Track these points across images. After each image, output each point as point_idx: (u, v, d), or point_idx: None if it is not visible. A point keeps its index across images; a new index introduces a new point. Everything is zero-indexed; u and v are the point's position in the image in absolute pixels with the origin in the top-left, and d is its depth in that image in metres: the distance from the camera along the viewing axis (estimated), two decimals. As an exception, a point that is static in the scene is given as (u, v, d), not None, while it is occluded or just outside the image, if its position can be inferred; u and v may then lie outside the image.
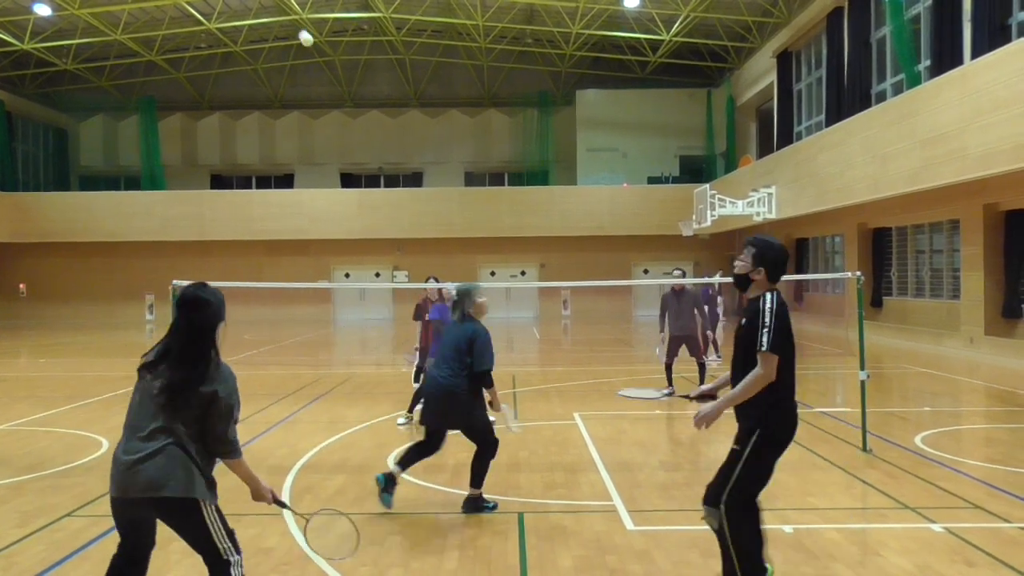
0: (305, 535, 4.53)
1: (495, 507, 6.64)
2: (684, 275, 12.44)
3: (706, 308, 13.36)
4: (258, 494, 4.13)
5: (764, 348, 4.34)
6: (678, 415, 11.26)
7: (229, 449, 3.90)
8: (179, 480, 3.70)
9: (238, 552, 3.91)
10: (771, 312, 4.40)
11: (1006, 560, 5.37)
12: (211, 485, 3.88)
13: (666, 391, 12.35)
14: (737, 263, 4.64)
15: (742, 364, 4.55)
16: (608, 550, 5.69)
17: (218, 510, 3.87)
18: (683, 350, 12.37)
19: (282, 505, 4.30)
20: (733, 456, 4.57)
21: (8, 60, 33.72)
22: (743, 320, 4.57)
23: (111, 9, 28.78)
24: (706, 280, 15.45)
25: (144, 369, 3.91)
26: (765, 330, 4.36)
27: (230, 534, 3.90)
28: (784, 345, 4.41)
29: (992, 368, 15.97)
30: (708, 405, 4.56)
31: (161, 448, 3.71)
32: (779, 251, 4.60)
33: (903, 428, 9.94)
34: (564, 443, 9.24)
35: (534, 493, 7.17)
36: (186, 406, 3.78)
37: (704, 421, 4.56)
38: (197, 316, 3.95)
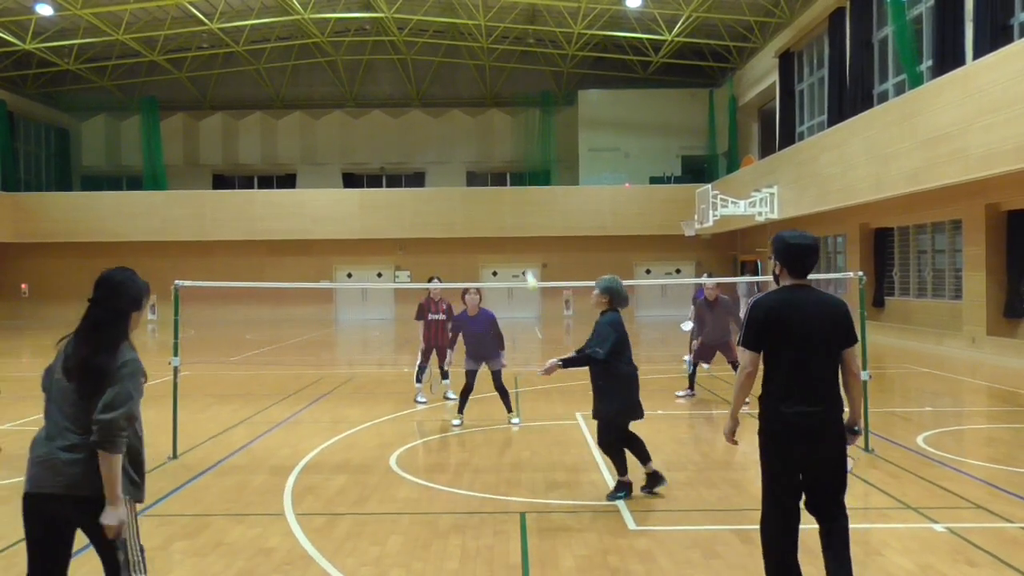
0: None
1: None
2: (707, 283, 12.48)
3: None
4: (109, 513, 3.56)
5: (738, 342, 4.53)
6: (679, 415, 11.26)
7: (108, 435, 3.50)
8: (98, 477, 3.55)
9: (145, 574, 3.72)
10: (748, 306, 4.46)
11: (1008, 560, 5.37)
12: (134, 484, 3.68)
13: (683, 393, 12.39)
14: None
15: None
16: (610, 550, 5.69)
17: (136, 517, 3.73)
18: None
19: (121, 545, 3.70)
20: None
21: (10, 60, 33.72)
22: None
23: (113, 9, 28.79)
24: (698, 280, 15.42)
25: (63, 355, 3.73)
26: (743, 326, 4.47)
27: (143, 554, 3.73)
28: (760, 341, 4.37)
29: (994, 368, 15.95)
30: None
31: (80, 443, 3.59)
32: (784, 241, 4.47)
33: (905, 428, 9.94)
34: (566, 443, 9.25)
35: (536, 493, 7.17)
36: (92, 392, 3.57)
37: (728, 435, 4.77)
38: (114, 295, 3.75)
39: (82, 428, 3.59)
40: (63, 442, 3.61)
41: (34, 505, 3.64)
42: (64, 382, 3.66)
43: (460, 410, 10.38)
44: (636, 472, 7.11)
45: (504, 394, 10.48)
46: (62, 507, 3.60)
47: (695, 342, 12.42)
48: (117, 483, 3.56)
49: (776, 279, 4.53)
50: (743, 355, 4.42)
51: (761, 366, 4.46)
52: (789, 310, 4.34)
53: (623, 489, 6.96)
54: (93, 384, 3.59)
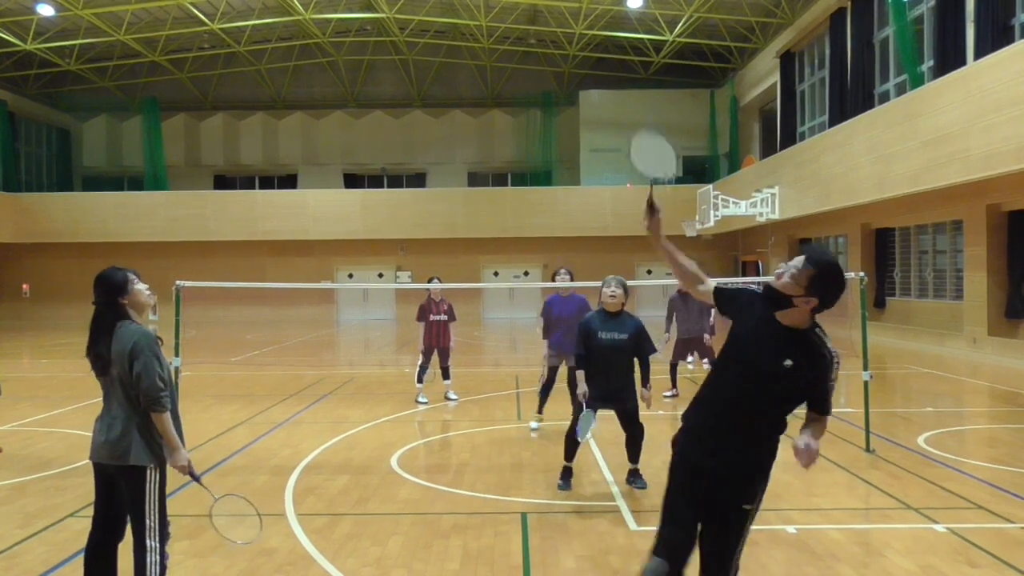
0: (211, 517, 4.71)
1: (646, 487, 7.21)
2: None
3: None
4: (175, 459, 4.40)
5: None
6: (679, 416, 11.25)
7: (150, 402, 4.28)
8: (125, 449, 4.28)
9: (162, 543, 4.34)
10: (834, 354, 3.65)
11: (1009, 561, 5.37)
12: (153, 451, 4.34)
13: (670, 393, 12.39)
14: (785, 275, 3.62)
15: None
16: (611, 550, 5.70)
17: (161, 488, 4.37)
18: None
19: (196, 480, 4.53)
20: (740, 517, 3.70)
21: (11, 60, 33.75)
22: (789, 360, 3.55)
23: (114, 9, 28.81)
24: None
25: None
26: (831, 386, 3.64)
27: (163, 522, 4.37)
28: None
29: (995, 368, 15.94)
30: (807, 440, 3.54)
31: (114, 420, 4.34)
32: (840, 277, 3.61)
33: (906, 428, 9.93)
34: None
35: (537, 493, 7.17)
36: (107, 366, 4.33)
37: (809, 458, 3.53)
38: (100, 289, 4.48)
39: (114, 409, 4.35)
40: (103, 423, 4.40)
41: (94, 469, 4.46)
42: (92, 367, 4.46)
43: (540, 409, 10.38)
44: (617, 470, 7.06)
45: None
46: (108, 471, 4.38)
47: (667, 335, 12.43)
48: (172, 435, 4.34)
49: (788, 303, 3.60)
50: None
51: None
52: None
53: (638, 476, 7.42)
54: (103, 364, 4.36)
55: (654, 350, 7.21)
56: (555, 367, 10.01)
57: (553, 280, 9.97)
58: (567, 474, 7.35)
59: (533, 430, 10.02)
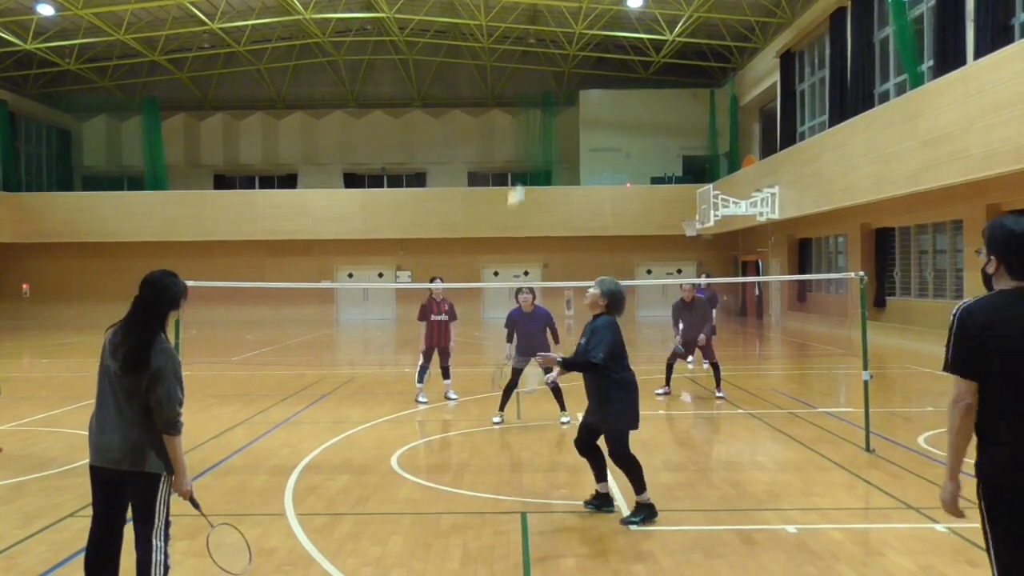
0: (208, 544, 4.60)
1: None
2: (699, 283, 12.80)
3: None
4: (179, 484, 4.32)
5: (943, 367, 3.42)
6: (681, 415, 11.25)
7: (166, 425, 4.18)
8: (142, 456, 4.22)
9: (166, 542, 4.33)
10: (955, 315, 3.36)
11: (1009, 561, 5.35)
12: (166, 461, 4.26)
13: (662, 391, 12.55)
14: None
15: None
16: (611, 550, 5.69)
17: (170, 492, 4.33)
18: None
19: (195, 506, 4.46)
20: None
21: (11, 60, 33.75)
22: None
23: (114, 9, 28.81)
24: (694, 281, 15.62)
25: (109, 344, 4.33)
26: (947, 344, 3.39)
27: (167, 522, 4.34)
28: (975, 363, 3.35)
29: (995, 368, 15.90)
30: (947, 488, 3.49)
31: (129, 427, 4.23)
32: (1007, 229, 3.30)
33: (906, 428, 9.92)
34: (567, 443, 9.22)
35: (537, 493, 7.17)
36: (136, 379, 4.17)
37: (949, 504, 3.52)
38: (161, 295, 4.36)
39: (129, 416, 4.23)
40: (116, 428, 4.25)
41: (96, 475, 4.36)
42: (118, 373, 4.24)
43: (502, 407, 10.44)
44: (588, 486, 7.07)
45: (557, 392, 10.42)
46: (115, 477, 4.30)
47: (678, 338, 12.66)
48: (180, 459, 4.27)
49: (989, 282, 3.41)
50: (956, 385, 3.42)
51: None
52: (1015, 321, 3.26)
53: (643, 513, 6.28)
54: (139, 374, 4.18)
55: (596, 358, 6.18)
56: (518, 369, 10.32)
57: (516, 298, 10.75)
58: (599, 498, 6.59)
59: (496, 423, 10.36)
